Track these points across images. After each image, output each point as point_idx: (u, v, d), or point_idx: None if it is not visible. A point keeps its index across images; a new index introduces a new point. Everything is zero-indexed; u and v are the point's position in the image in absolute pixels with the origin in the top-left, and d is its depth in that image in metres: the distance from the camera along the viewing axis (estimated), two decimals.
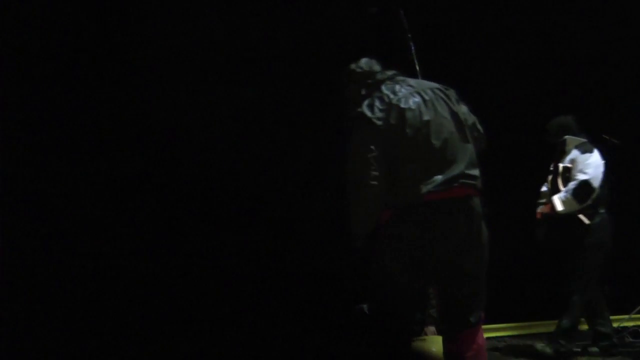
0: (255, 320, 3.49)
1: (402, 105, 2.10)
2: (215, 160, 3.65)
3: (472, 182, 2.10)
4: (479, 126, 2.31)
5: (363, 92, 2.24)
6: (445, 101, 2.19)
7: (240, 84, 3.83)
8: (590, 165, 3.38)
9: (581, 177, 3.34)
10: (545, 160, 4.82)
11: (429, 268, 2.08)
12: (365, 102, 2.16)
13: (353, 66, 2.35)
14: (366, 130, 2.11)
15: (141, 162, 3.58)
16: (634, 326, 4.22)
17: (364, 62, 2.35)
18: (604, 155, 3.56)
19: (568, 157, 3.50)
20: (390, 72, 2.30)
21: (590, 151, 3.48)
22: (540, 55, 4.89)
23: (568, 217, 3.41)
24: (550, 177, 3.69)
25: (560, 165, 3.51)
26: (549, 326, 4.47)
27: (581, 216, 3.41)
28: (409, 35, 3.10)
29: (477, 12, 4.73)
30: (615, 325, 4.33)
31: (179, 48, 3.77)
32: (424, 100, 2.14)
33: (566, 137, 3.59)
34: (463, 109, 2.26)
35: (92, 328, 3.22)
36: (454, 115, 2.17)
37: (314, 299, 3.57)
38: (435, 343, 3.29)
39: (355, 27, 4.11)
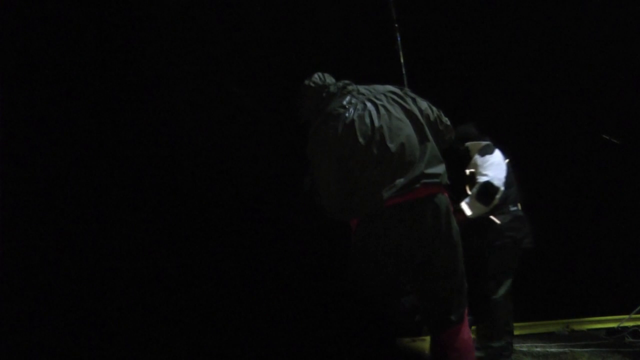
0: (255, 321, 3.49)
1: (352, 116, 2.11)
2: (215, 161, 3.65)
3: (434, 180, 2.08)
4: (443, 119, 2.30)
5: (318, 105, 2.25)
6: (399, 103, 2.18)
7: (240, 84, 3.83)
8: (491, 166, 3.36)
9: (482, 179, 3.33)
10: (546, 160, 4.85)
11: (401, 271, 2.08)
12: (317, 120, 2.19)
13: (307, 81, 2.35)
14: (320, 149, 2.13)
15: (141, 162, 3.58)
16: (634, 326, 4.22)
17: (316, 76, 2.35)
18: (506, 154, 3.54)
19: (471, 163, 3.51)
20: (341, 83, 2.30)
21: (491, 152, 3.47)
22: (540, 55, 4.89)
23: (481, 220, 3.40)
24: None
25: (467, 172, 3.52)
26: (548, 326, 4.49)
27: (492, 217, 3.40)
28: (396, 25, 3.09)
29: (477, 12, 4.73)
30: (615, 325, 4.35)
31: (178, 48, 3.77)
32: (376, 106, 2.14)
33: (467, 144, 3.58)
34: (422, 105, 2.24)
35: (92, 328, 3.22)
36: (411, 115, 2.16)
37: (314, 299, 3.57)
38: None
39: (354, 27, 4.12)
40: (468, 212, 3.34)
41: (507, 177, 3.43)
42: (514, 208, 3.48)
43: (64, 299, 3.23)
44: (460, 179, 3.55)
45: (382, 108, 2.14)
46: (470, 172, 3.47)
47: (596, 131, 4.64)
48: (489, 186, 3.30)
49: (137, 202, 3.51)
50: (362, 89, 2.26)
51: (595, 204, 4.85)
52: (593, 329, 4.52)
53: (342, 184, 2.09)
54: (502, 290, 3.40)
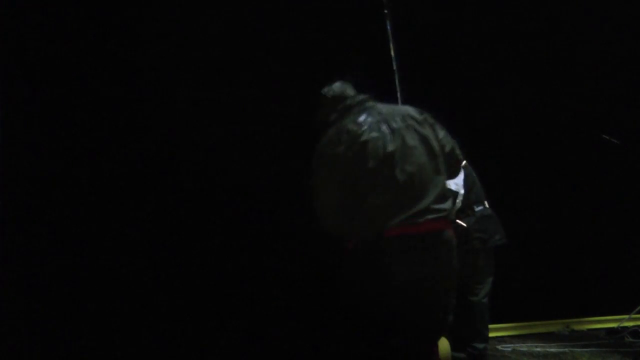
0: (254, 320, 3.49)
1: (365, 137, 2.01)
2: (214, 160, 3.64)
3: (439, 215, 1.98)
4: (457, 151, 2.21)
5: (333, 117, 2.16)
6: (416, 129, 2.07)
7: (240, 84, 3.83)
8: None
9: None
10: (546, 160, 4.85)
11: (388, 303, 1.96)
12: (329, 133, 2.09)
13: (325, 90, 2.26)
14: (327, 164, 2.05)
15: (141, 162, 3.57)
16: (634, 326, 4.22)
17: (336, 86, 2.26)
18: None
19: None
20: (360, 97, 2.20)
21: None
22: (540, 55, 4.89)
23: None
24: None
25: None
26: (549, 326, 4.49)
27: (458, 220, 3.41)
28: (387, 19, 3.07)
29: (476, 12, 4.73)
30: (615, 325, 4.35)
31: (178, 48, 3.77)
32: (391, 129, 2.04)
33: None
34: (440, 134, 2.15)
35: (91, 328, 3.21)
36: (427, 143, 2.06)
37: (314, 298, 3.57)
38: None
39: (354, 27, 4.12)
40: None
41: (466, 179, 3.45)
42: (480, 208, 3.49)
43: (63, 299, 3.22)
44: None
45: (397, 132, 2.03)
46: None
47: (596, 131, 4.64)
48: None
49: (138, 202, 3.51)
50: (380, 107, 2.15)
51: (595, 204, 4.85)
52: (593, 329, 4.52)
53: (344, 204, 2.01)
54: (481, 292, 3.43)
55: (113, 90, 3.56)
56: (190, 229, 3.59)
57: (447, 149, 2.14)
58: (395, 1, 3.60)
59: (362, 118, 2.07)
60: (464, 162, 3.52)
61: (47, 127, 3.39)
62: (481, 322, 3.42)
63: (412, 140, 2.03)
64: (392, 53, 3.23)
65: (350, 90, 2.24)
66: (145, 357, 3.25)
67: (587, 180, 4.85)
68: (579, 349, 3.83)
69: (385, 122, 2.06)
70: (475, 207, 3.47)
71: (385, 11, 3.14)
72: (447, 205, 2.02)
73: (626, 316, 4.34)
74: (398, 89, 3.70)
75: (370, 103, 2.18)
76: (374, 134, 2.01)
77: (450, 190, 3.32)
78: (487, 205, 3.52)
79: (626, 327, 4.23)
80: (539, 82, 4.84)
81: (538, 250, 4.60)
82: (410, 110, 2.15)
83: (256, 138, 3.82)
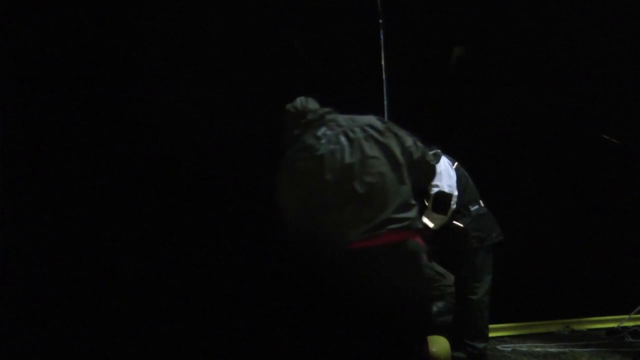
0: (254, 320, 3.49)
1: (322, 150, 1.99)
2: (214, 160, 3.65)
3: (402, 225, 1.94)
4: (428, 157, 2.18)
5: (296, 132, 2.16)
6: (376, 139, 2.04)
7: (240, 84, 3.83)
8: (439, 176, 3.37)
9: (433, 190, 3.38)
10: (546, 160, 4.85)
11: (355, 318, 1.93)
12: (292, 149, 2.10)
13: (288, 106, 2.25)
14: (288, 180, 2.05)
15: (141, 162, 3.58)
16: (634, 326, 4.23)
17: (298, 101, 2.24)
18: (452, 157, 3.57)
19: None
20: (322, 111, 2.18)
21: (436, 162, 3.50)
22: (537, 54, 4.89)
23: (447, 228, 3.45)
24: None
25: None
26: (549, 326, 4.50)
27: (455, 222, 3.44)
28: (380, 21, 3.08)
29: (476, 12, 4.73)
30: (615, 325, 4.36)
31: (178, 48, 3.77)
32: (350, 141, 2.02)
33: None
34: (407, 142, 2.11)
35: (91, 328, 3.22)
36: (388, 153, 2.03)
37: (313, 298, 3.57)
38: (435, 343, 3.30)
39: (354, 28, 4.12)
40: (430, 225, 3.40)
41: (459, 180, 3.46)
42: (475, 207, 3.50)
43: (63, 299, 3.23)
44: (420, 195, 3.58)
45: (356, 143, 2.01)
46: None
47: (596, 131, 4.64)
48: (441, 196, 3.36)
49: (138, 202, 3.51)
50: (341, 119, 2.13)
51: (595, 203, 4.85)
52: (593, 329, 4.53)
53: (306, 219, 1.99)
54: (481, 291, 3.44)
55: (113, 90, 3.57)
56: (191, 229, 3.59)
57: (416, 156, 2.11)
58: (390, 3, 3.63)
59: (321, 131, 2.07)
60: (456, 164, 3.54)
61: (47, 127, 3.39)
62: (481, 321, 3.43)
63: (371, 150, 2.01)
64: (383, 54, 3.25)
65: (312, 105, 2.22)
66: (145, 357, 3.25)
67: (587, 180, 4.86)
68: (579, 349, 3.83)
69: (344, 134, 2.04)
70: (470, 206, 3.48)
71: (380, 14, 3.16)
72: (410, 214, 1.99)
73: (626, 316, 4.34)
74: (385, 92, 3.72)
75: (331, 116, 2.16)
76: (332, 147, 2.00)
77: (444, 195, 3.35)
78: (482, 204, 3.54)
79: (626, 327, 4.23)
80: (538, 82, 4.85)
81: (538, 250, 4.60)
82: (371, 120, 2.13)
83: (256, 138, 3.82)
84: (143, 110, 3.62)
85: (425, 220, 3.42)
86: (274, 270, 3.53)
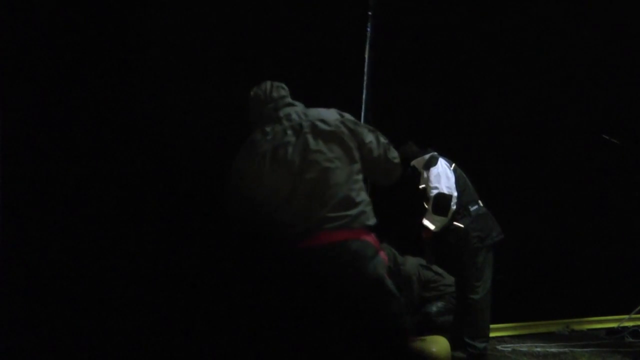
0: (253, 321, 3.49)
1: (265, 147, 1.91)
2: (214, 160, 3.65)
3: (340, 223, 1.82)
4: (390, 155, 2.05)
5: (254, 120, 2.09)
6: (326, 133, 1.93)
7: (240, 84, 3.83)
8: (437, 177, 3.42)
9: (433, 192, 3.40)
10: (545, 160, 4.85)
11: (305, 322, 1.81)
12: (242, 146, 2.01)
13: (254, 90, 2.14)
14: (234, 177, 1.97)
15: (141, 162, 3.58)
16: (634, 326, 4.23)
17: (263, 88, 2.12)
18: (450, 159, 3.58)
19: (422, 179, 3.54)
20: (277, 104, 2.06)
21: (434, 164, 3.50)
22: (536, 54, 4.89)
23: (447, 229, 3.46)
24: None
25: (420, 187, 3.55)
26: (549, 326, 4.49)
27: (455, 222, 3.45)
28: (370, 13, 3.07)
29: (476, 12, 4.73)
30: (615, 325, 4.36)
31: (178, 48, 3.77)
32: (297, 136, 1.92)
33: (412, 162, 3.61)
34: (367, 138, 1.99)
35: (91, 328, 3.22)
36: (338, 148, 1.91)
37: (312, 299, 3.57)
38: (435, 343, 3.30)
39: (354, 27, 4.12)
40: (431, 227, 3.43)
41: (457, 181, 3.47)
42: (474, 207, 3.51)
43: (63, 299, 3.23)
44: (419, 197, 3.61)
45: (302, 138, 1.91)
46: (422, 188, 3.53)
47: (596, 131, 4.64)
48: (440, 197, 3.38)
49: (138, 202, 3.51)
50: (293, 113, 2.01)
51: (595, 203, 4.86)
52: (593, 329, 4.53)
53: (250, 218, 1.92)
54: (482, 290, 3.44)
55: (113, 89, 3.57)
56: (191, 229, 3.60)
57: (376, 153, 2.00)
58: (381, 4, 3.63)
59: (269, 127, 1.98)
60: (454, 165, 3.55)
61: (47, 127, 3.39)
62: (482, 321, 3.43)
63: (317, 145, 1.90)
64: (367, 55, 3.26)
65: (277, 93, 2.10)
66: (145, 357, 3.25)
67: (587, 180, 4.86)
68: (579, 349, 3.83)
69: (292, 128, 1.95)
70: (469, 207, 3.49)
71: (370, 13, 3.15)
72: (352, 211, 1.85)
73: (626, 316, 4.34)
74: (364, 90, 3.74)
75: (286, 110, 2.04)
76: (277, 142, 1.91)
77: (444, 196, 3.36)
78: (481, 204, 3.54)
79: (626, 327, 4.23)
80: (538, 82, 4.85)
81: (538, 250, 4.60)
82: (327, 113, 2.01)
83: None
84: (143, 110, 3.63)
85: (426, 222, 3.43)
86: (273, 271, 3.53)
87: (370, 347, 1.78)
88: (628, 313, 4.31)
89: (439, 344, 3.29)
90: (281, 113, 2.03)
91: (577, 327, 4.54)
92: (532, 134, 4.80)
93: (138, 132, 3.62)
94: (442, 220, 3.40)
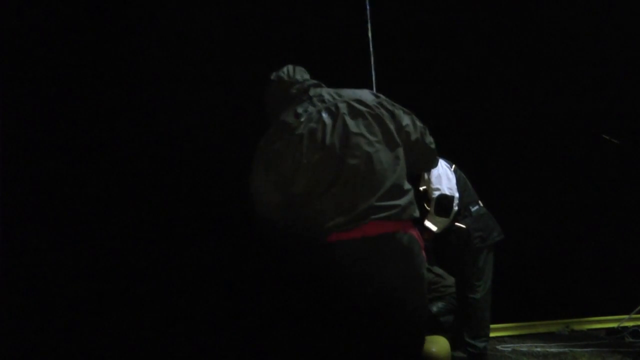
0: (253, 321, 3.49)
1: (301, 130, 1.72)
2: (214, 160, 3.65)
3: (390, 213, 1.66)
4: (427, 139, 1.91)
5: (277, 107, 1.90)
6: (364, 115, 1.76)
7: (240, 84, 3.83)
8: (438, 179, 3.42)
9: (435, 194, 3.40)
10: (545, 160, 4.85)
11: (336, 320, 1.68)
12: (271, 127, 1.84)
13: (273, 75, 1.96)
14: (264, 163, 1.78)
15: (141, 162, 3.58)
16: (634, 326, 4.22)
17: (285, 70, 1.95)
18: (449, 159, 3.58)
19: (422, 180, 3.55)
20: (306, 84, 1.89)
21: (435, 165, 3.51)
22: (535, 54, 4.89)
23: (449, 230, 3.48)
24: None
25: (420, 189, 3.56)
26: (549, 326, 4.50)
27: (457, 223, 3.46)
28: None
29: (476, 12, 4.73)
30: (615, 325, 4.36)
31: (179, 48, 3.77)
32: (334, 118, 1.74)
33: None
34: (404, 121, 1.83)
35: (91, 328, 3.22)
36: (379, 131, 1.76)
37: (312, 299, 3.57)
38: (435, 343, 3.30)
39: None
40: (434, 228, 3.43)
41: (458, 182, 3.48)
42: (475, 208, 3.52)
43: (64, 299, 3.23)
44: (419, 199, 3.59)
45: (340, 120, 1.73)
46: (423, 189, 3.52)
47: (596, 131, 4.64)
48: (443, 199, 3.38)
49: (138, 202, 3.51)
50: (325, 94, 1.83)
51: (595, 203, 4.86)
52: (593, 329, 4.53)
53: (283, 206, 1.75)
54: (483, 290, 3.45)
55: (113, 89, 3.57)
56: (191, 229, 3.60)
57: (414, 137, 1.84)
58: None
59: (302, 108, 1.79)
60: (454, 166, 3.55)
61: (47, 127, 3.39)
62: (482, 320, 3.43)
63: (358, 128, 1.73)
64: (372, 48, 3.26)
65: (299, 75, 1.93)
66: (145, 357, 3.25)
67: (587, 180, 4.86)
68: (579, 349, 3.83)
69: (327, 110, 1.77)
70: (470, 207, 3.50)
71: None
72: (401, 201, 1.69)
73: (626, 316, 4.34)
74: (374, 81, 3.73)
75: (316, 90, 1.87)
76: (312, 125, 1.73)
77: (446, 198, 3.36)
78: (481, 204, 3.55)
79: (626, 327, 4.23)
80: (538, 82, 4.85)
81: (538, 250, 4.60)
82: (362, 94, 1.84)
83: (255, 138, 3.82)
84: (143, 110, 3.63)
85: (428, 223, 3.44)
86: (260, 270, 3.53)
87: (403, 344, 1.69)
88: (628, 313, 4.31)
89: (439, 344, 3.29)
90: (311, 92, 1.86)
91: (577, 327, 4.54)
92: (532, 134, 4.80)
93: (138, 132, 3.62)
94: (444, 221, 3.41)
